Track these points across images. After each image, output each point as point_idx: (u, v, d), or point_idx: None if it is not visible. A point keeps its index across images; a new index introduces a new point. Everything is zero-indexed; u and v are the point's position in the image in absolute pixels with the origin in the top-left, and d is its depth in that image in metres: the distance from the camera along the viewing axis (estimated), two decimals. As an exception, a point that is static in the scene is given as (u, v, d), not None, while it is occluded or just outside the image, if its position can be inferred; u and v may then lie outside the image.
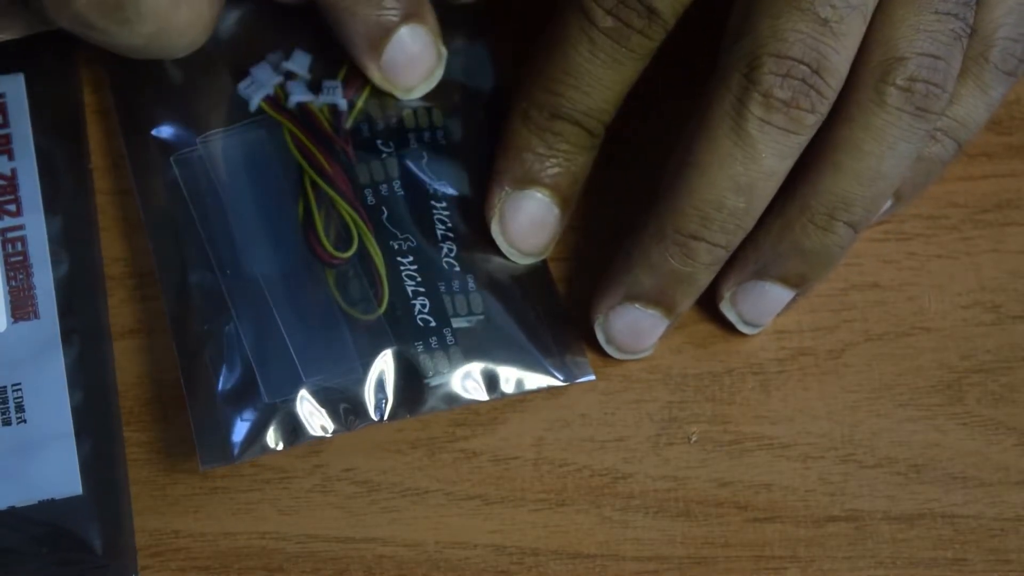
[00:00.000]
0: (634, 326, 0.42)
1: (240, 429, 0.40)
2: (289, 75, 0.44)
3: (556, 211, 0.42)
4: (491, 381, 0.42)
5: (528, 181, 0.42)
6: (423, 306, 0.42)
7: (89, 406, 0.41)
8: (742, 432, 0.42)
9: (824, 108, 0.39)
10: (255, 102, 0.43)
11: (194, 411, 0.40)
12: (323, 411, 0.41)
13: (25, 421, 0.40)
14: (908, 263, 0.44)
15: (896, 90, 0.39)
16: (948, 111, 0.41)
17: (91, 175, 0.43)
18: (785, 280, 0.41)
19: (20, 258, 0.42)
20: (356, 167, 0.43)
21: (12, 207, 0.42)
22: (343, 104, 0.43)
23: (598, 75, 0.41)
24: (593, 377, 0.42)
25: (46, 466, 0.40)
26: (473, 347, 0.42)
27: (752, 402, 0.43)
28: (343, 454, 0.42)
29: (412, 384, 0.41)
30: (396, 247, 0.42)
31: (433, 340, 0.42)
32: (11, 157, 0.43)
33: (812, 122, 0.39)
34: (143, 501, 0.41)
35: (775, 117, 0.39)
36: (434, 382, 0.41)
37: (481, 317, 0.42)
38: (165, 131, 0.43)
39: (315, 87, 0.44)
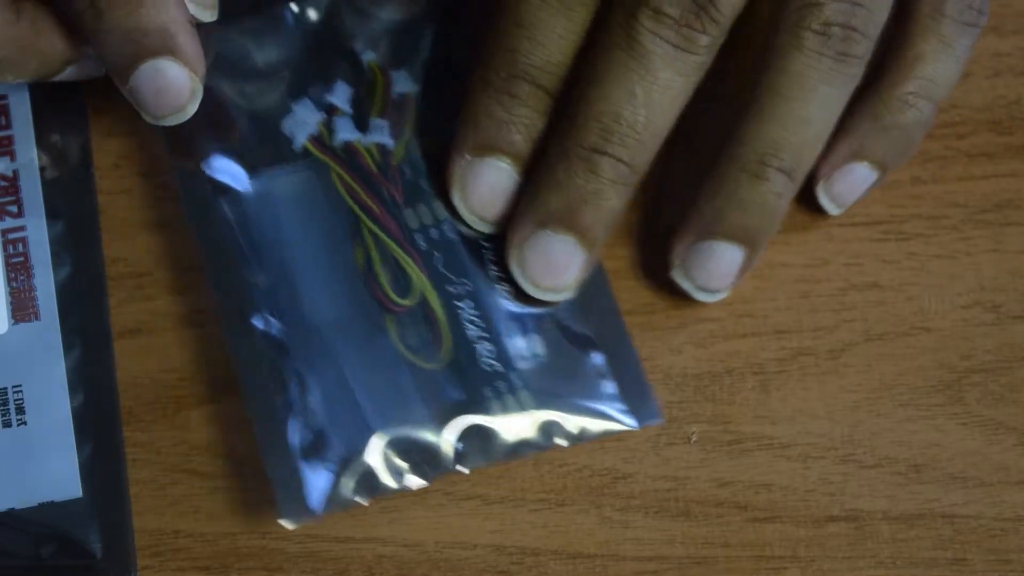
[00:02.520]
0: (547, 254, 0.41)
1: (317, 484, 0.40)
2: (332, 109, 0.43)
3: (516, 178, 0.42)
4: (561, 427, 0.41)
5: (487, 148, 0.42)
6: (487, 351, 0.42)
7: (90, 408, 0.41)
8: (742, 432, 0.42)
9: (716, 32, 0.40)
10: (299, 142, 0.43)
11: (269, 465, 0.40)
12: (397, 462, 0.40)
13: (25, 423, 0.40)
14: (908, 263, 0.44)
15: (812, 34, 0.40)
16: (917, 71, 0.42)
17: (93, 177, 0.43)
18: (730, 236, 0.41)
19: (21, 259, 0.42)
20: (404, 211, 0.43)
21: (14, 208, 0.42)
22: (391, 144, 0.43)
23: (550, 23, 0.41)
24: (662, 420, 0.42)
25: (46, 468, 0.40)
26: (540, 390, 0.41)
27: (752, 402, 0.43)
28: (343, 454, 0.42)
29: (484, 431, 0.41)
30: (453, 291, 0.42)
31: (501, 385, 0.41)
32: (13, 158, 0.43)
33: (706, 43, 0.40)
34: (143, 501, 0.41)
35: (665, 32, 0.39)
36: (504, 427, 0.41)
37: (544, 358, 0.42)
38: (216, 167, 0.43)
39: (360, 123, 0.43)
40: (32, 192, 0.42)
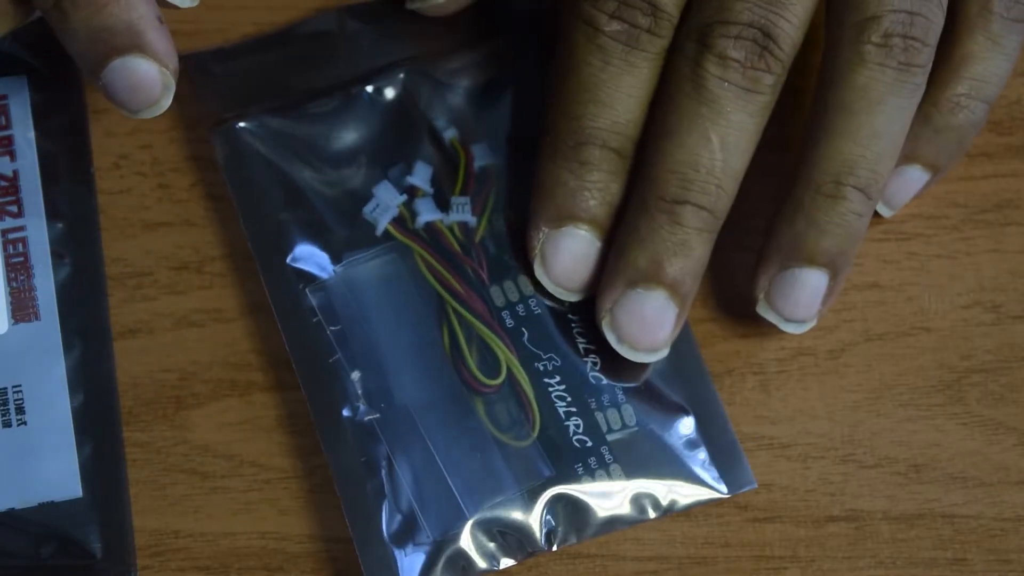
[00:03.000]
0: (640, 314, 0.41)
1: (410, 568, 0.40)
2: (413, 190, 0.43)
3: (598, 244, 0.41)
4: (654, 499, 0.41)
5: (564, 218, 0.41)
6: (577, 426, 0.41)
7: (89, 408, 0.41)
8: (742, 432, 0.42)
9: (780, 70, 0.40)
10: (381, 226, 0.43)
11: (362, 550, 0.40)
12: (491, 544, 0.40)
13: (25, 423, 0.40)
14: (908, 263, 0.44)
15: (873, 47, 0.39)
16: (967, 72, 0.41)
17: (93, 177, 0.43)
18: (812, 261, 0.41)
19: (21, 259, 0.42)
20: (490, 288, 0.42)
21: (14, 208, 0.42)
22: (473, 221, 0.43)
23: (615, 83, 0.40)
24: (755, 485, 0.42)
25: (46, 469, 0.40)
26: (632, 462, 0.41)
27: (752, 402, 0.43)
28: (343, 454, 0.42)
29: (576, 508, 0.41)
30: (541, 368, 0.42)
31: (592, 460, 0.41)
32: (13, 158, 0.43)
33: (771, 82, 0.40)
34: (143, 501, 0.41)
35: (732, 75, 0.39)
36: (596, 504, 0.41)
37: (635, 428, 0.41)
38: (300, 259, 0.42)
39: (441, 203, 0.43)
40: (32, 192, 0.42)
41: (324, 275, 0.42)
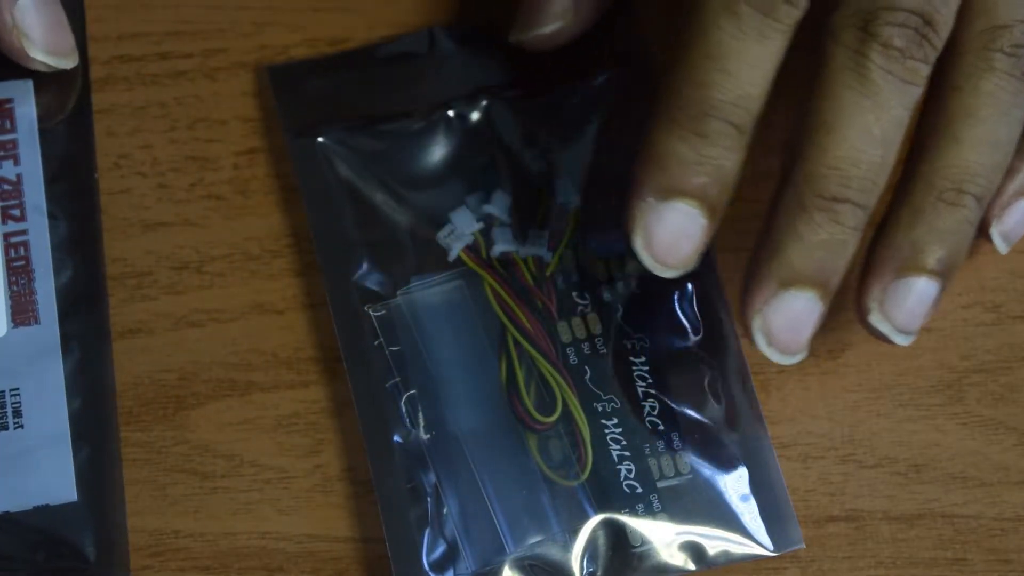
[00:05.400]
0: (793, 315, 0.39)
1: None
2: (490, 219, 0.43)
3: (703, 221, 0.39)
4: (698, 550, 0.40)
5: (672, 191, 0.39)
6: (629, 471, 0.41)
7: (87, 412, 0.41)
8: (742, 432, 0.42)
9: (933, 59, 0.39)
10: (454, 252, 0.43)
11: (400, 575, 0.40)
12: None
13: (22, 426, 0.41)
14: (908, 263, 0.44)
15: (1003, 55, 0.39)
16: None
17: (97, 182, 0.43)
18: (929, 269, 0.39)
19: (22, 263, 0.42)
20: (558, 324, 0.42)
21: (16, 212, 0.43)
22: (548, 256, 0.43)
23: (746, 53, 0.38)
24: (802, 546, 0.41)
25: (42, 472, 0.40)
26: (679, 511, 0.41)
27: (752, 402, 0.43)
28: (343, 454, 0.42)
29: (618, 553, 0.40)
30: (600, 409, 0.42)
31: (639, 507, 0.41)
32: (16, 162, 0.43)
33: (926, 73, 0.39)
34: (142, 501, 0.41)
35: (895, 67, 0.38)
36: (641, 550, 0.40)
37: (688, 477, 0.41)
38: (366, 278, 0.43)
39: (519, 233, 0.43)
40: (35, 196, 0.43)
41: (389, 296, 0.42)
